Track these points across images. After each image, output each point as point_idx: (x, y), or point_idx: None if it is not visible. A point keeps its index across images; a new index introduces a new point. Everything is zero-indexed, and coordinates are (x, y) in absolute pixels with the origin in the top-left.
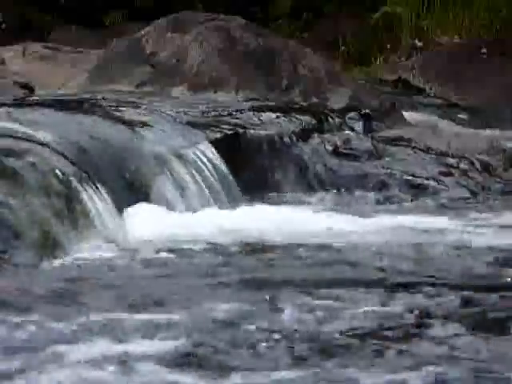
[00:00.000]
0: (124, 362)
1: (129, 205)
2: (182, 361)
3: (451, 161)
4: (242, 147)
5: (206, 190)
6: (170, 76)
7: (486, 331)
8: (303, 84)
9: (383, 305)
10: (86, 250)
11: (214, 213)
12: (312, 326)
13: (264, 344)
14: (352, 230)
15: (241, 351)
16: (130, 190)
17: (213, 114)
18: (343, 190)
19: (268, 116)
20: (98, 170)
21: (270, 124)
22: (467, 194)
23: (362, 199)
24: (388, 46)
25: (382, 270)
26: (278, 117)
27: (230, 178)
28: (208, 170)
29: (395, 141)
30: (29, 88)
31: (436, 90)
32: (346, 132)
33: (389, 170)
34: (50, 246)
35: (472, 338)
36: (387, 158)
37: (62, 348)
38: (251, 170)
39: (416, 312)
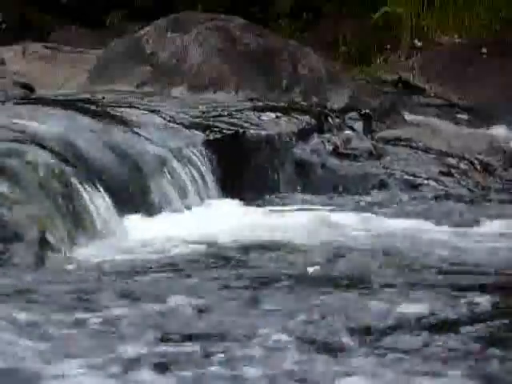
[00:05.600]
0: (121, 362)
1: (128, 205)
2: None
3: (451, 161)
4: (242, 147)
5: (204, 190)
6: (170, 76)
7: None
8: (303, 84)
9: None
10: (86, 250)
11: (212, 212)
12: None
13: None
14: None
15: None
16: (129, 189)
17: (213, 114)
18: (343, 189)
19: (268, 116)
20: (97, 170)
21: (270, 124)
22: (467, 194)
23: (362, 199)
24: (388, 46)
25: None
26: (278, 117)
27: (230, 178)
28: (207, 170)
29: (395, 141)
30: (29, 88)
31: (436, 90)
32: (346, 132)
33: (389, 170)
34: (50, 245)
35: None
36: (387, 158)
37: (60, 346)
38: (251, 170)
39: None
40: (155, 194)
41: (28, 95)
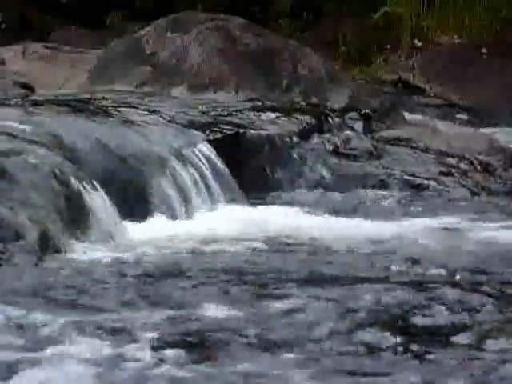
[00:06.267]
0: (114, 361)
1: (128, 205)
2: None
3: (451, 161)
4: (242, 147)
5: (205, 191)
6: (170, 76)
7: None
8: (303, 84)
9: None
10: (86, 250)
11: (213, 213)
12: None
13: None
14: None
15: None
16: (130, 190)
17: (213, 113)
18: (343, 189)
19: (268, 116)
20: (97, 170)
21: (270, 124)
22: (467, 194)
23: (362, 199)
24: (388, 46)
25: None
26: (277, 117)
27: (231, 178)
28: (207, 170)
29: (395, 141)
30: (29, 88)
31: (436, 90)
32: (346, 132)
33: (389, 170)
34: (49, 246)
35: None
36: (387, 158)
37: (60, 347)
38: (251, 170)
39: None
40: (155, 194)
41: (28, 95)
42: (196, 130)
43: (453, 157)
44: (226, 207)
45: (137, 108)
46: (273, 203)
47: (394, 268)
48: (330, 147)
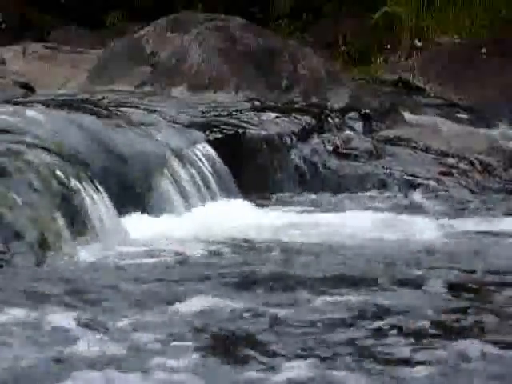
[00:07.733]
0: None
1: (128, 205)
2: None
3: (451, 161)
4: (242, 147)
5: (205, 190)
6: (170, 76)
7: None
8: (303, 84)
9: None
10: (86, 250)
11: (212, 212)
12: None
13: None
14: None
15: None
16: (130, 190)
17: (213, 113)
18: (343, 189)
19: (268, 116)
20: (97, 171)
21: (269, 124)
22: (467, 194)
23: (362, 199)
24: (388, 46)
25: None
26: (277, 117)
27: (230, 177)
28: (207, 169)
29: (395, 141)
30: (29, 88)
31: (436, 89)
32: (346, 132)
33: (389, 170)
34: (49, 246)
35: None
36: (387, 158)
37: (61, 347)
38: (251, 170)
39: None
40: (155, 193)
41: (28, 95)
42: (196, 130)
43: (453, 157)
44: (225, 207)
45: (137, 108)
46: (272, 203)
47: (392, 269)
48: (329, 147)
